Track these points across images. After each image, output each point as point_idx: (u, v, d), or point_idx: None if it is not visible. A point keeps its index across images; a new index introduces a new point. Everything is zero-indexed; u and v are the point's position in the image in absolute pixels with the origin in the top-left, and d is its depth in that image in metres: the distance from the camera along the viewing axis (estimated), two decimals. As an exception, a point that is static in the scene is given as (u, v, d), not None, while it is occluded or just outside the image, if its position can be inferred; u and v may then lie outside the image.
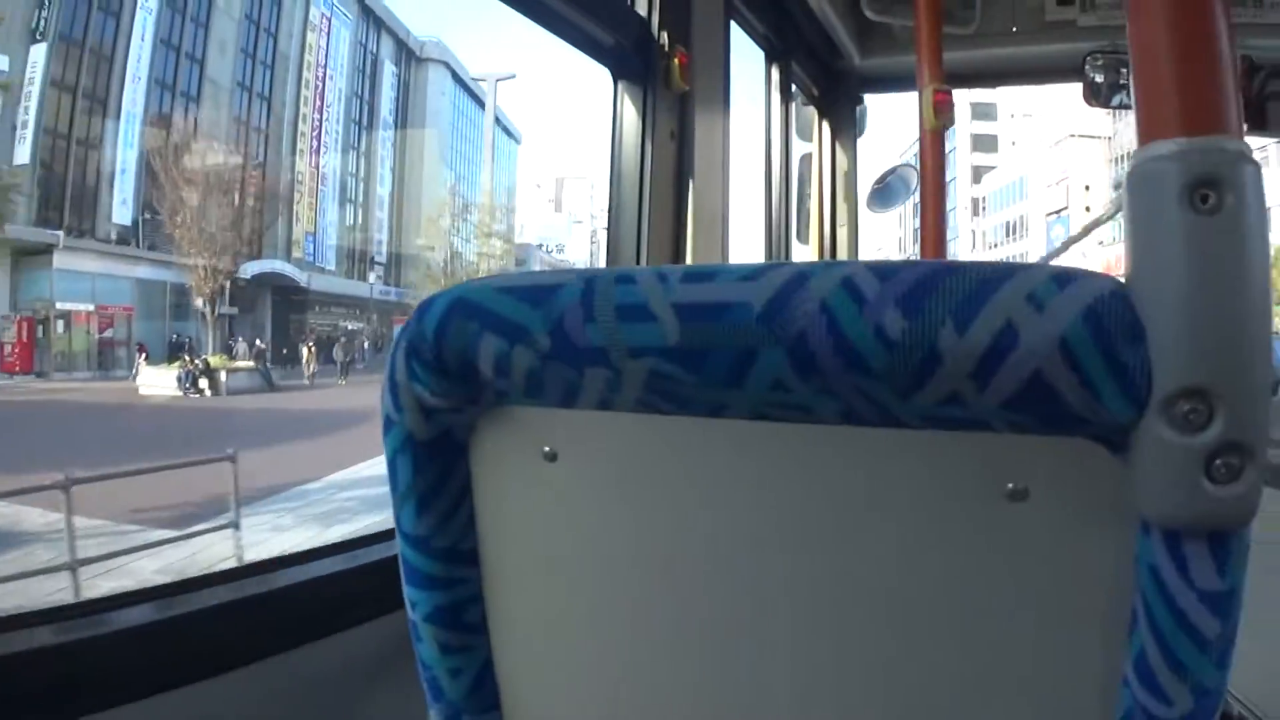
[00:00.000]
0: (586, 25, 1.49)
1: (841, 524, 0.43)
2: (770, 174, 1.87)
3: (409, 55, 24.44)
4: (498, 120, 29.35)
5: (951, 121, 1.48)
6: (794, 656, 0.46)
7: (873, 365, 0.38)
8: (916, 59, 1.53)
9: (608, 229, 1.53)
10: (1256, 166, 0.34)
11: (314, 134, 20.44)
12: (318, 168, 20.49)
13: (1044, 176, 42.66)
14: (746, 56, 1.92)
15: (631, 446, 0.47)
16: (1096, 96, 2.11)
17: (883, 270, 0.38)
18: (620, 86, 1.56)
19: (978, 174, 49.68)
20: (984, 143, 49.64)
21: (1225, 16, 0.35)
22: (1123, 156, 33.77)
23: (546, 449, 0.49)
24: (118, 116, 15.70)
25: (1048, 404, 0.36)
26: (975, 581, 0.41)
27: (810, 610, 0.45)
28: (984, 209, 49.82)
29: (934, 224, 1.47)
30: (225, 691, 0.79)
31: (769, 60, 1.90)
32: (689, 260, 1.49)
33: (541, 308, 0.43)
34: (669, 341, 0.41)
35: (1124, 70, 2.24)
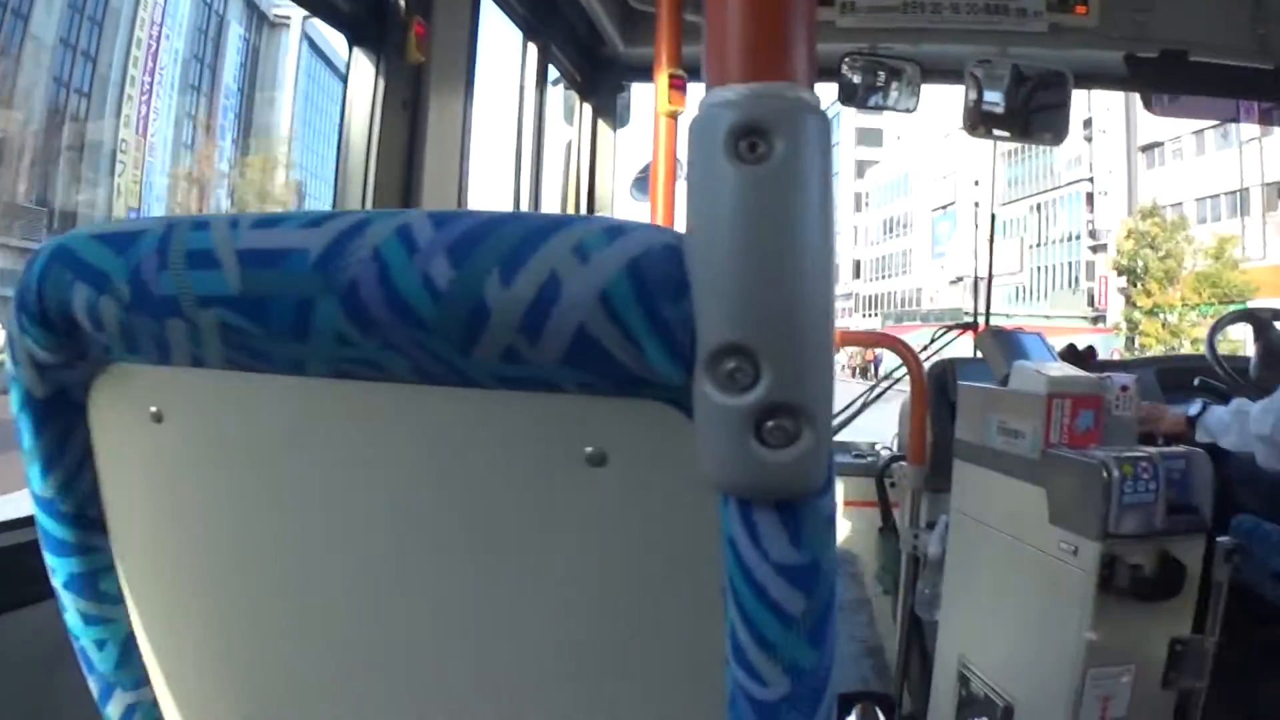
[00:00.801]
0: (322, -13, 1.43)
1: (423, 488, 0.42)
2: (520, 155, 1.86)
3: (259, 18, 22.81)
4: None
5: (683, 108, 1.52)
6: (387, 620, 0.45)
7: (424, 317, 0.36)
8: (655, 44, 1.56)
9: (333, 202, 1.47)
10: (820, 116, 0.32)
11: (143, 99, 18.62)
12: (145, 136, 18.71)
13: (932, 170, 41.30)
14: (512, 35, 1.91)
15: (228, 406, 0.45)
16: (851, 98, 2.22)
17: (441, 219, 0.37)
18: (355, 53, 1.50)
19: (861, 169, 50.95)
20: (869, 137, 50.62)
21: None
22: (1015, 150, 33.12)
23: (153, 409, 0.46)
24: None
25: (603, 362, 0.35)
26: (563, 549, 0.40)
27: (398, 571, 0.44)
28: (867, 204, 50.66)
29: (665, 207, 1.51)
30: None
31: (526, 40, 1.89)
32: None
33: (124, 255, 0.41)
34: (232, 290, 0.39)
35: (880, 73, 2.38)
